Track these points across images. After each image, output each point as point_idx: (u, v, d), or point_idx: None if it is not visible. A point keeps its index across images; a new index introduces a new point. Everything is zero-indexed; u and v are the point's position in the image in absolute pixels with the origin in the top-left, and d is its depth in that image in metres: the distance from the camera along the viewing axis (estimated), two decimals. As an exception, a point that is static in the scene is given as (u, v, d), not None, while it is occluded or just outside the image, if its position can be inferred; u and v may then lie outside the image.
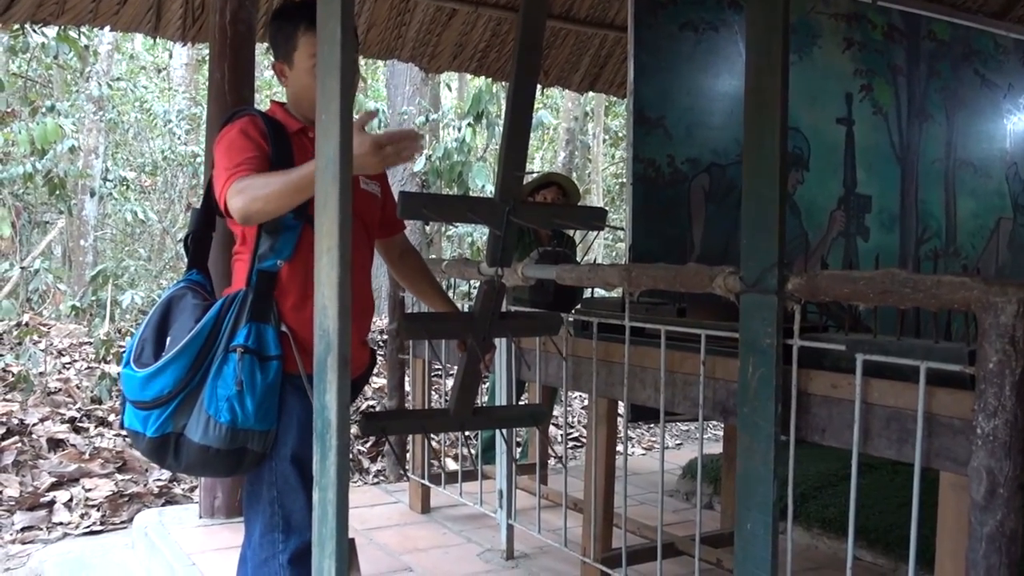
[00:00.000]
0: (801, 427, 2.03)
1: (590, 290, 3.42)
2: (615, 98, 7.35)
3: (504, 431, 2.99)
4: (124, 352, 2.05)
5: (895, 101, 4.32)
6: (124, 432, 2.02)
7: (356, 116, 1.71)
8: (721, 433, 5.06)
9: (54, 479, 4.30)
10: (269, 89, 12.05)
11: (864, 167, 4.20)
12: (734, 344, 2.07)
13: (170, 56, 12.67)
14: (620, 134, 13.95)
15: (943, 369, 1.75)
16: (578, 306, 3.28)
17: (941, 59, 4.46)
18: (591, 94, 6.55)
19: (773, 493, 1.90)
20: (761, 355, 1.91)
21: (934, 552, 1.82)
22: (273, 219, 1.92)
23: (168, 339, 1.95)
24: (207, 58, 4.49)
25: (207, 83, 3.80)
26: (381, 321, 6.85)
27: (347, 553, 1.63)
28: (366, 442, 5.14)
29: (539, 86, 4.55)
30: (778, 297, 1.89)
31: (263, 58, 10.31)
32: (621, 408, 2.82)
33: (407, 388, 4.11)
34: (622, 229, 3.81)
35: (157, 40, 4.76)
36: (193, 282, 2.10)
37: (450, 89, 12.75)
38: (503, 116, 2.38)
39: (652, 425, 6.02)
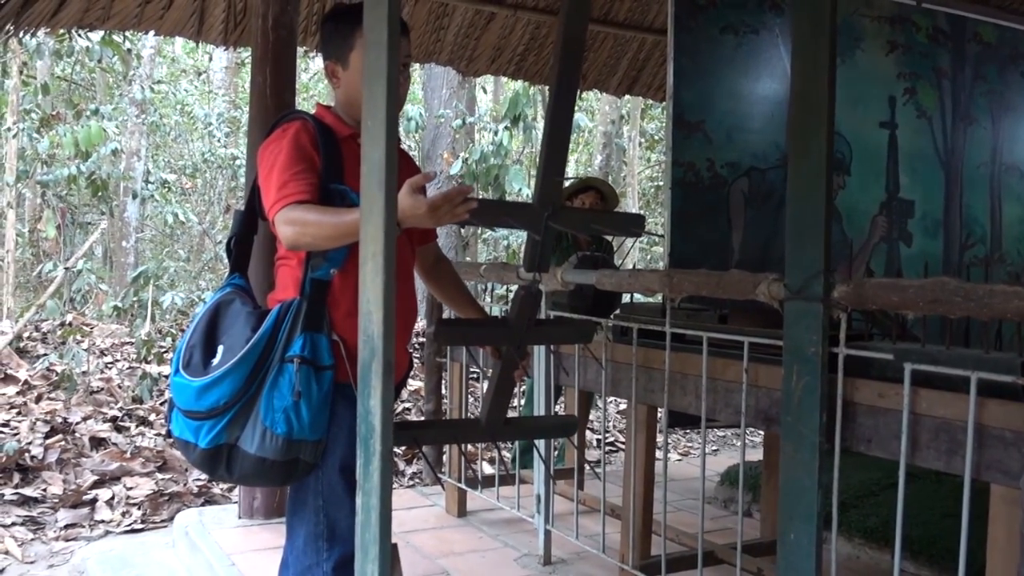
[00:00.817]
0: (846, 437, 2.00)
1: (628, 295, 3.40)
2: (651, 101, 7.30)
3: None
4: (172, 359, 2.02)
5: (939, 105, 4.25)
6: (172, 441, 2.00)
7: (420, 174, 1.72)
8: (758, 439, 5.02)
9: (96, 477, 4.37)
10: (306, 92, 12.16)
11: (907, 171, 4.14)
12: (777, 352, 2.05)
13: (210, 59, 12.84)
14: (656, 137, 13.86)
15: (994, 380, 1.71)
16: (616, 311, 3.27)
17: (987, 62, 4.39)
18: (627, 97, 6.52)
19: (817, 503, 1.87)
20: (806, 363, 1.89)
21: (980, 565, 1.79)
22: None
23: (220, 347, 1.92)
24: (246, 62, 4.53)
25: (248, 87, 3.84)
26: (419, 324, 6.87)
27: (390, 558, 1.64)
28: (402, 444, 5.15)
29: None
30: (823, 305, 1.86)
31: (303, 62, 10.40)
32: (658, 413, 2.80)
33: (444, 392, 4.11)
34: (660, 236, 3.78)
35: (199, 44, 4.82)
36: (238, 287, 2.08)
37: (485, 92, 12.78)
38: (543, 121, 2.37)
39: (688, 431, 5.98)
